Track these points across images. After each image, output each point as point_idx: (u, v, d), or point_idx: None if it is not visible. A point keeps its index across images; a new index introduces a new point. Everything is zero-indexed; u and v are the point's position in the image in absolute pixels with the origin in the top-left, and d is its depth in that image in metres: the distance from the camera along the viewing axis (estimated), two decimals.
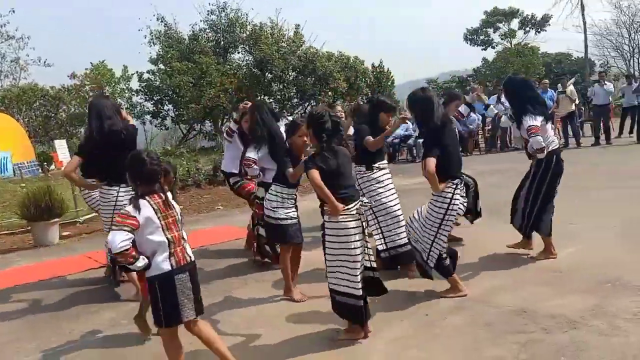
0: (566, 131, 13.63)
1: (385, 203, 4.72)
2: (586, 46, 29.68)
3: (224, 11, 24.31)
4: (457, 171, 3.99)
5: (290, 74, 22.07)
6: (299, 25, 22.87)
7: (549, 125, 4.75)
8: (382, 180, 4.78)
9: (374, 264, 3.50)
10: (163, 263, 2.86)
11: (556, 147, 4.73)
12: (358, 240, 3.33)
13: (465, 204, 4.08)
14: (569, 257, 4.75)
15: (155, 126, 22.82)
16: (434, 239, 3.95)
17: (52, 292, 5.08)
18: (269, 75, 21.84)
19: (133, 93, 22.98)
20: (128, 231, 2.73)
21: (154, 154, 3.04)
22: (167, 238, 2.89)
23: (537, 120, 4.52)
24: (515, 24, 34.45)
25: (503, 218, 5.38)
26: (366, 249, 3.41)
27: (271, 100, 22.68)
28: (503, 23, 34.45)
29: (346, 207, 3.30)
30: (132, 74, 22.85)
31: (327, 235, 3.40)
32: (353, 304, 3.37)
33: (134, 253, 2.76)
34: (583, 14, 29.12)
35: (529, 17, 34.08)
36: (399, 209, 4.76)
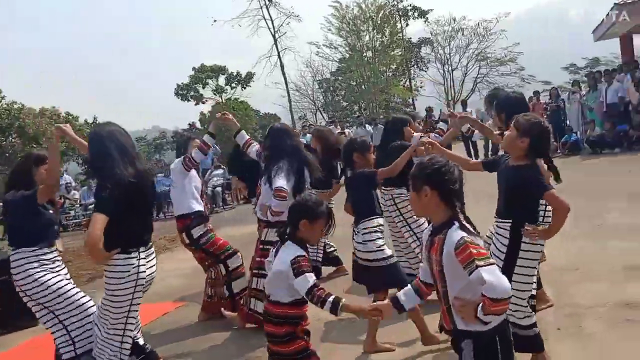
0: None
1: (422, 224, 4.37)
2: (290, 101, 32.79)
3: None
4: None
5: None
6: None
7: None
8: None
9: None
10: None
11: None
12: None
13: None
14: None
15: None
16: None
17: None
18: None
19: None
20: None
21: None
22: None
23: None
24: (222, 80, 35.98)
25: None
26: None
27: None
28: (212, 79, 35.59)
29: None
30: None
31: (522, 260, 2.98)
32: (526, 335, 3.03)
33: None
34: (283, 72, 32.20)
35: (234, 74, 36.04)
36: None
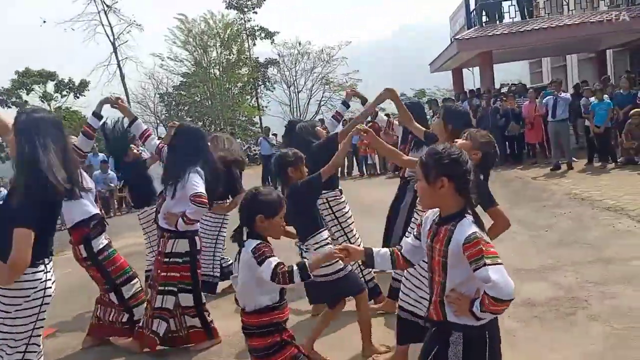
0: None
1: (353, 228, 4.42)
2: None
3: None
4: None
5: None
6: None
7: None
8: (346, 203, 4.48)
9: None
10: None
11: None
12: None
13: None
14: None
15: None
16: None
17: None
18: None
19: None
20: None
21: None
22: None
23: None
24: (51, 87, 32.60)
25: None
26: None
27: None
28: (39, 85, 32.05)
29: None
30: None
31: None
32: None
33: None
34: (124, 83, 30.25)
35: (66, 81, 32.93)
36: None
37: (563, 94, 11.36)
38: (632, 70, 14.81)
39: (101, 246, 4.07)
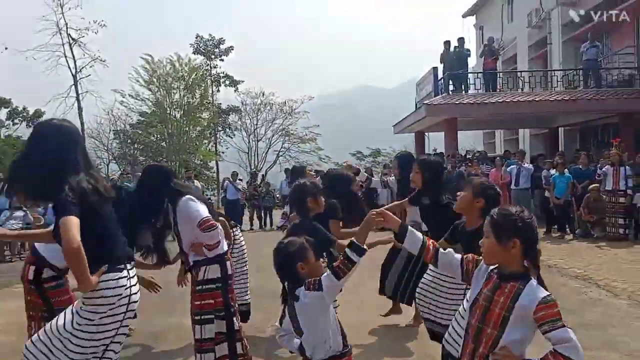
0: None
1: None
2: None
3: None
4: None
5: None
6: None
7: None
8: None
9: None
10: None
11: None
12: None
13: None
14: None
15: None
16: None
17: None
18: None
19: None
20: None
21: None
22: None
23: None
24: (4, 114, 31.53)
25: None
26: None
27: None
28: None
29: None
30: None
31: None
32: None
33: None
34: (81, 116, 29.49)
35: (20, 109, 31.93)
36: None
37: (526, 164, 12.04)
38: (582, 148, 15.87)
39: (54, 273, 3.73)
